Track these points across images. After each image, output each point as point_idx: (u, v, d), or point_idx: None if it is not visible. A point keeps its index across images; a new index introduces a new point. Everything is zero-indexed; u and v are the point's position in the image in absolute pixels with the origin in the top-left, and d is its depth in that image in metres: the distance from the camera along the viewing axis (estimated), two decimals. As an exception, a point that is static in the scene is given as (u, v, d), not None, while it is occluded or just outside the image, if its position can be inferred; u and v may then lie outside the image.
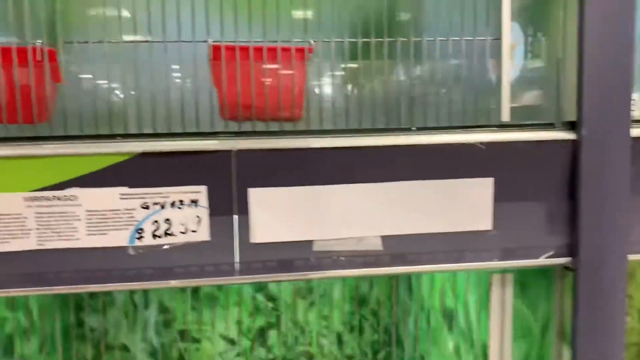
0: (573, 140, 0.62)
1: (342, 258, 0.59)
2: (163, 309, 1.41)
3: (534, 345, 0.75)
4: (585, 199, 0.62)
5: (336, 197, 0.59)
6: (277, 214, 0.58)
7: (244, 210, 0.58)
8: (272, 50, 0.59)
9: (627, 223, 0.64)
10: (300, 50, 0.60)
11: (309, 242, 0.60)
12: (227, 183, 0.57)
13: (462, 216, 0.62)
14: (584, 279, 0.63)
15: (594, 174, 0.62)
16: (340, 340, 1.50)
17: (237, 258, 0.58)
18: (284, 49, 0.59)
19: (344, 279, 1.47)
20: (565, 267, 0.66)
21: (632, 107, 0.67)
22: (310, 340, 1.49)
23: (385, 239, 0.61)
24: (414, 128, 0.62)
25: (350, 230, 0.60)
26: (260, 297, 1.43)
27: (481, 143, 0.61)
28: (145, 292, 1.42)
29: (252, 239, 0.58)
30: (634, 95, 0.67)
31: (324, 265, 0.59)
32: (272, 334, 1.45)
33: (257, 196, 0.58)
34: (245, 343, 1.45)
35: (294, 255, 0.59)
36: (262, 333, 1.45)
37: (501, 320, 0.66)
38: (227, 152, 0.57)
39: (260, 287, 1.43)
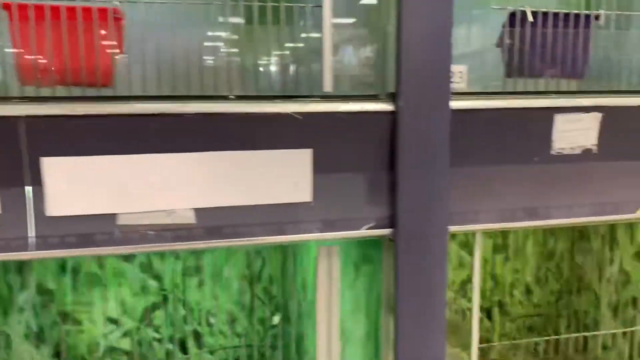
0: (393, 112, 0.62)
1: (151, 232, 0.57)
2: (41, 290, 1.35)
3: (371, 317, 0.75)
4: (403, 170, 0.62)
5: (143, 168, 0.56)
6: (76, 185, 0.55)
7: (38, 181, 0.55)
8: (71, 11, 0.55)
9: (447, 195, 0.64)
10: (104, 11, 0.56)
11: (113, 216, 0.57)
12: (17, 152, 0.53)
13: (281, 188, 0.60)
14: (404, 250, 0.63)
15: (413, 145, 0.62)
16: (231, 319, 1.49)
17: (32, 232, 0.55)
18: (85, 9, 0.55)
19: (234, 257, 1.45)
20: (390, 239, 0.66)
21: (458, 80, 0.67)
22: (200, 320, 1.47)
23: (198, 211, 0.59)
24: (232, 96, 0.60)
25: (159, 202, 0.57)
26: (145, 277, 1.40)
27: (297, 113, 0.59)
28: (21, 272, 1.35)
29: (48, 212, 0.55)
30: (460, 68, 0.67)
31: (130, 239, 0.57)
32: (159, 314, 1.42)
33: (51, 166, 0.54)
34: (131, 323, 1.41)
35: (95, 229, 0.56)
36: (148, 313, 1.42)
37: (329, 293, 0.66)
38: (15, 119, 0.53)
39: (145, 267, 1.39)
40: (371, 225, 0.63)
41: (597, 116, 0.67)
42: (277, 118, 0.59)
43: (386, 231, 0.63)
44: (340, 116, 0.60)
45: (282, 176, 0.60)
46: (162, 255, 1.42)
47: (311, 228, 0.61)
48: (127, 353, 1.41)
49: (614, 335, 1.51)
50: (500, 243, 1.63)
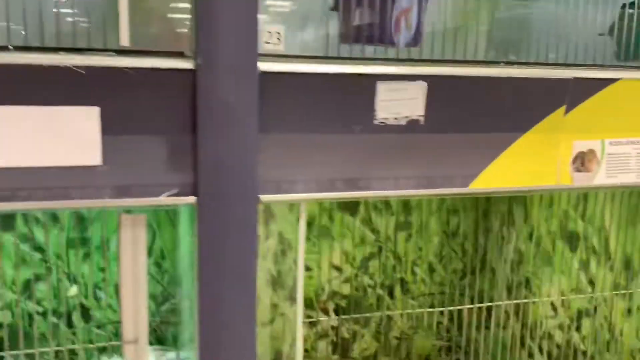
0: (194, 70, 0.58)
1: None
2: None
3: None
4: (204, 134, 0.58)
5: None
6: None
7: None
8: None
9: (257, 162, 0.61)
10: None
11: None
12: None
13: (65, 149, 0.56)
14: (207, 219, 0.59)
15: (214, 107, 0.58)
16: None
17: None
18: None
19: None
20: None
21: (275, 41, 0.63)
22: (86, 293, 1.42)
23: (-32, 172, 0.54)
24: (10, 47, 0.55)
25: None
26: (25, 248, 1.33)
27: (80, 67, 0.54)
28: None
29: None
30: (277, 28, 0.63)
31: None
32: (42, 286, 1.36)
33: None
34: (11, 296, 1.35)
35: None
36: (29, 285, 1.36)
37: (134, 266, 0.62)
38: None
39: (27, 237, 1.32)
40: (173, 192, 0.59)
41: (422, 85, 0.64)
42: (58, 72, 0.54)
43: (190, 199, 0.59)
44: (132, 73, 0.55)
45: (66, 136, 0.55)
46: (44, 226, 1.36)
47: (101, 194, 0.56)
48: (7, 326, 1.34)
49: (507, 315, 1.52)
50: (402, 221, 1.62)
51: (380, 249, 1.63)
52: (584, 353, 1.26)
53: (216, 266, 0.59)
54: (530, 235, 1.45)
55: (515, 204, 1.52)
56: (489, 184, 0.69)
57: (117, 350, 1.41)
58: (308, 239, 1.57)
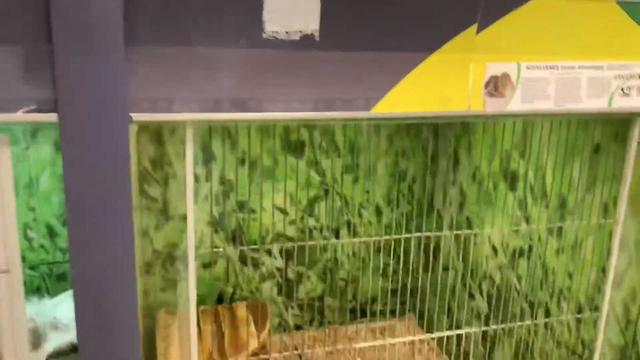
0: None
1: None
2: None
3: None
4: (61, 44, 0.52)
5: None
6: None
7: None
8: None
9: (124, 76, 0.55)
10: None
11: None
12: None
13: None
14: (71, 138, 0.54)
15: (71, 14, 0.51)
16: (52, 233, 1.40)
17: None
18: None
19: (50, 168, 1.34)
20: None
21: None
22: (25, 234, 1.37)
23: None
24: None
25: None
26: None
27: None
28: None
29: None
30: None
31: None
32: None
33: None
34: None
35: None
36: None
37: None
38: None
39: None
40: (31, 108, 0.53)
41: (304, -5, 0.58)
42: None
43: (51, 116, 0.54)
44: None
45: None
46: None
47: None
48: None
49: (451, 258, 1.51)
50: (350, 163, 1.58)
51: (326, 192, 1.60)
52: (518, 292, 1.25)
53: (84, 190, 0.54)
54: (474, 176, 1.43)
55: (460, 145, 1.48)
56: (394, 108, 0.64)
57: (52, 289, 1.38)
58: (251, 180, 1.53)
